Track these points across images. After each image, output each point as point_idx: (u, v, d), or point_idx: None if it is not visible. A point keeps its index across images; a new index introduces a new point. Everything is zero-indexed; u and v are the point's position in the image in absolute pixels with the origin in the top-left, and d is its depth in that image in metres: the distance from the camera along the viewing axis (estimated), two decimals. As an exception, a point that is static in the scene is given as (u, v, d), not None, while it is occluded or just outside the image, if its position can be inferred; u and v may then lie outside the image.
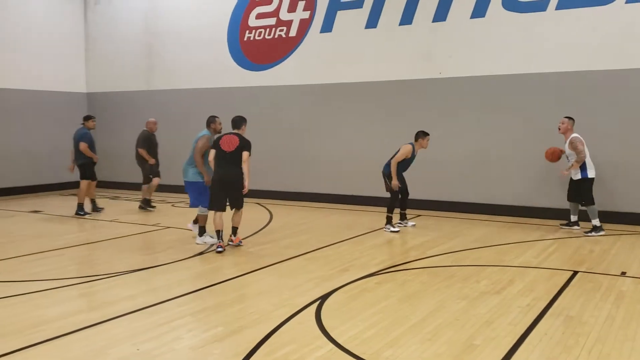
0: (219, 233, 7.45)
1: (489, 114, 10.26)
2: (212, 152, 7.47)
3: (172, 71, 13.55)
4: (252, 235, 8.55)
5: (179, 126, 13.20)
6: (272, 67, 12.26)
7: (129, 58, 14.14)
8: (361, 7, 11.25)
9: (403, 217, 9.26)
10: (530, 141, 9.85)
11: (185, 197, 12.45)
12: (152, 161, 10.91)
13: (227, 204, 7.59)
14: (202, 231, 8.02)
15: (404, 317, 4.91)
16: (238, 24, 12.58)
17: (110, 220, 9.88)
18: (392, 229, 8.77)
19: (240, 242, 7.77)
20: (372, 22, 11.15)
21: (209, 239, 7.93)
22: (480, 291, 5.66)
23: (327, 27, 11.61)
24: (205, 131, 8.07)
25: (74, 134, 10.62)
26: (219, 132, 8.05)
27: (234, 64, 12.67)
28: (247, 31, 12.49)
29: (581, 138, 8.49)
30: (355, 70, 11.35)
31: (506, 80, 10.06)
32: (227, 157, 7.31)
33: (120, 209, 11.25)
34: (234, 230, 7.69)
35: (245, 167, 7.31)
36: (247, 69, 12.54)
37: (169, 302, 5.34)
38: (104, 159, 14.60)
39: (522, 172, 10.02)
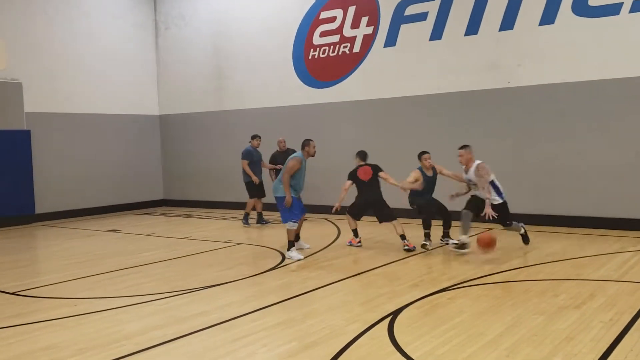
0: (355, 232, 8.85)
1: (561, 123, 9.91)
2: (348, 183, 8.82)
3: (241, 92, 13.90)
4: (320, 250, 8.58)
5: (245, 144, 13.46)
6: (336, 83, 12.37)
7: (199, 80, 14.63)
8: (425, 19, 11.19)
9: (445, 235, 8.76)
10: (607, 150, 9.44)
11: (253, 214, 12.72)
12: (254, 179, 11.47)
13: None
14: (290, 245, 8.13)
15: (479, 333, 4.77)
16: (303, 42, 12.80)
17: (184, 238, 10.18)
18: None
19: (413, 247, 8.34)
20: (436, 34, 11.07)
21: (294, 254, 8.01)
22: (559, 306, 5.43)
23: (390, 41, 11.61)
24: (299, 153, 8.39)
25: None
26: (312, 155, 8.49)
27: (300, 82, 12.88)
28: (312, 49, 12.67)
29: (486, 165, 7.90)
30: (420, 83, 11.27)
31: (579, 87, 9.70)
32: (366, 184, 8.69)
33: (191, 227, 11.58)
34: (403, 237, 8.37)
35: (390, 180, 8.53)
36: (312, 86, 12.71)
37: (243, 317, 5.42)
38: (176, 178, 15.16)
39: (599, 182, 9.60)
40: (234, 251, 9.00)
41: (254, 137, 11.55)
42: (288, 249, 8.13)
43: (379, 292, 6.14)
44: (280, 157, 11.76)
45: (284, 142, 11.81)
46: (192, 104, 14.84)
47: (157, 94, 15.52)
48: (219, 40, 14.24)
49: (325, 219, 11.73)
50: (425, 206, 8.55)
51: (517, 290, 6.06)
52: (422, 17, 11.23)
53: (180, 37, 14.95)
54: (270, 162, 11.73)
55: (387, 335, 4.80)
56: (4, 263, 8.54)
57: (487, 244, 7.51)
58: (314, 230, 10.61)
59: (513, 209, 10.26)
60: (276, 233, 10.72)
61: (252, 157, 11.35)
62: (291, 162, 8.10)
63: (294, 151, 12.54)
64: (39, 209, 12.68)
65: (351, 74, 12.15)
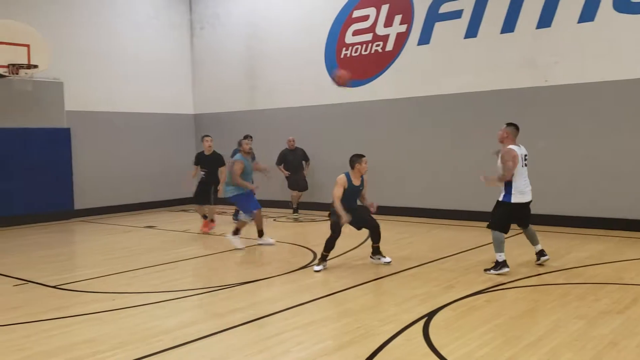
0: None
1: (600, 122, 9.69)
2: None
3: (273, 91, 13.97)
4: (353, 249, 8.56)
5: (281, 143, 13.55)
6: (368, 82, 12.32)
7: (232, 80, 14.74)
8: (460, 17, 11.06)
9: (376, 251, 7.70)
10: (648, 150, 9.18)
11: (287, 212, 12.78)
12: (285, 174, 12.57)
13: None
14: (236, 233, 8.91)
15: (518, 337, 4.70)
16: (335, 41, 12.79)
17: (218, 235, 10.27)
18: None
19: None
20: (471, 31, 10.93)
21: (237, 241, 8.81)
22: (600, 310, 5.31)
23: (424, 39, 11.51)
24: (238, 155, 9.08)
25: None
26: (248, 152, 9.00)
27: (332, 81, 12.82)
28: (344, 48, 12.65)
29: (516, 153, 6.86)
30: (455, 81, 11.15)
31: (620, 85, 9.46)
32: None
33: (225, 224, 11.67)
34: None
35: None
36: (344, 85, 12.66)
37: (277, 315, 5.45)
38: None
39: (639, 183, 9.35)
40: (266, 248, 9.05)
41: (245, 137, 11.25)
42: (233, 235, 8.88)
43: (413, 293, 6.10)
44: (289, 155, 12.71)
45: (294, 141, 12.66)
46: (226, 103, 14.97)
47: (191, 93, 15.70)
48: (252, 40, 14.33)
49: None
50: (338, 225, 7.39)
51: (555, 294, 5.94)
52: (457, 14, 11.10)
53: (214, 37, 15.09)
54: (279, 160, 12.67)
55: (422, 336, 4.76)
56: (44, 257, 8.76)
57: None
58: (345, 229, 10.56)
59: (547, 209, 10.12)
60: (309, 231, 10.76)
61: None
62: (236, 165, 8.75)
63: (302, 150, 12.90)
64: (78, 205, 12.97)
65: (384, 72, 12.09)
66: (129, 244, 9.85)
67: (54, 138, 12.57)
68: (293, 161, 12.68)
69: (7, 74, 10.80)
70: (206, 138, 10.78)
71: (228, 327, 5.10)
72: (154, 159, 14.60)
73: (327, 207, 12.60)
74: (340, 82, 8.38)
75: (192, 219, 12.19)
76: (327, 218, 7.69)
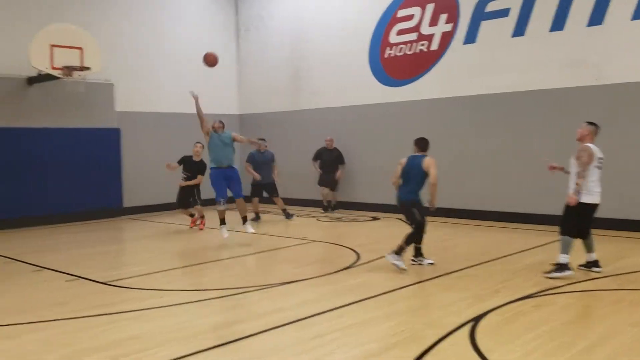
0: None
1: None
2: None
3: (317, 91, 13.99)
4: (397, 251, 8.46)
5: (323, 143, 13.58)
6: (413, 81, 12.20)
7: (277, 80, 14.84)
8: (507, 15, 10.82)
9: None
10: None
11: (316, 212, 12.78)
12: (318, 171, 13.09)
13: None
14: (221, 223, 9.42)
15: (569, 343, 4.55)
16: (379, 41, 12.71)
17: (261, 234, 10.35)
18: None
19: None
20: (519, 30, 10.68)
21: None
22: (657, 318, 5.09)
23: (470, 38, 11.31)
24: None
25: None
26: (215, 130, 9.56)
27: (375, 81, 12.80)
28: (388, 48, 12.56)
29: (593, 151, 6.60)
30: (502, 80, 10.92)
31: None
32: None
33: (267, 223, 11.77)
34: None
35: None
36: (387, 85, 12.61)
37: (320, 315, 5.43)
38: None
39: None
40: (309, 248, 9.06)
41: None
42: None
43: (459, 297, 5.98)
44: (325, 153, 13.12)
45: (332, 141, 13.08)
46: (270, 103, 15.08)
47: (237, 94, 15.88)
48: (296, 40, 14.39)
49: (399, 219, 11.56)
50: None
51: (608, 300, 5.74)
52: (504, 13, 10.87)
53: (259, 38, 15.23)
54: (315, 156, 13.14)
55: (468, 341, 4.66)
56: (94, 254, 9.00)
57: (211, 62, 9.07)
58: (388, 231, 10.52)
59: (601, 213, 9.76)
60: (352, 231, 10.72)
61: (253, 160, 12.15)
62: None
63: (339, 151, 13.18)
64: (127, 202, 13.30)
65: (428, 71, 11.94)
66: (175, 242, 10.01)
67: (105, 138, 12.92)
68: (328, 160, 13.01)
69: (61, 76, 11.15)
70: (197, 144, 11.11)
71: (270, 327, 5.10)
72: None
73: (368, 206, 12.75)
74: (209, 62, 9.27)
75: (235, 218, 12.30)
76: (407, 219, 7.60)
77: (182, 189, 11.05)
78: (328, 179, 13.06)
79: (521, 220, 10.47)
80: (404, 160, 7.51)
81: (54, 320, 5.45)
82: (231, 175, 9.39)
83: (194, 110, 15.00)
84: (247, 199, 10.73)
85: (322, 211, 13.07)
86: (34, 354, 4.58)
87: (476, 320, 5.18)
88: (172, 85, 14.29)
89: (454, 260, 7.80)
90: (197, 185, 11.04)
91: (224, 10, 15.51)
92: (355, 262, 7.76)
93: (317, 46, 13.92)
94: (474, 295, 6.04)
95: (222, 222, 9.42)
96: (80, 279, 7.16)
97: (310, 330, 5.02)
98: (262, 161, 12.15)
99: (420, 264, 7.47)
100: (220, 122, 9.68)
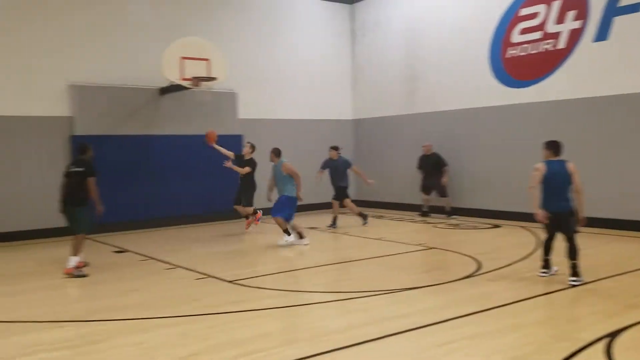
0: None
1: None
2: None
3: (433, 94, 13.82)
4: (521, 260, 8.16)
5: (439, 147, 13.39)
6: (537, 82, 11.68)
7: (392, 84, 14.84)
8: (643, 9, 10.06)
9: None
10: None
11: (448, 218, 12.58)
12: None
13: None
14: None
15: None
16: (500, 41, 12.31)
17: (377, 239, 10.40)
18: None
19: None
20: (658, 24, 9.89)
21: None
22: None
23: (602, 35, 10.63)
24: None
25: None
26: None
27: (496, 82, 12.40)
28: (510, 47, 12.13)
29: None
30: (637, 80, 10.15)
31: None
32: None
33: (383, 228, 11.80)
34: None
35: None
36: (509, 86, 12.16)
37: (442, 324, 5.38)
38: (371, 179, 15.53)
39: None
40: (427, 255, 8.98)
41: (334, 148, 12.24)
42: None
43: (590, 310, 5.67)
44: (424, 159, 13.23)
45: (429, 146, 13.12)
46: (385, 107, 15.11)
47: (351, 99, 16.09)
48: (411, 44, 14.30)
49: (522, 226, 11.14)
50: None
51: None
52: (639, 7, 10.11)
53: (374, 43, 15.31)
54: (419, 165, 13.30)
55: (605, 358, 4.41)
56: (219, 254, 9.55)
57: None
58: (511, 239, 10.15)
59: None
60: (471, 238, 10.46)
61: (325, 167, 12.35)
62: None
63: (436, 156, 13.00)
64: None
65: (554, 71, 11.36)
66: (294, 244, 10.32)
67: (229, 144, 13.58)
68: (427, 166, 13.18)
69: (190, 87, 11.93)
70: (247, 143, 11.82)
71: (393, 332, 5.13)
72: (316, 163, 15.13)
73: (487, 213, 12.35)
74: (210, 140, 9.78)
75: (350, 222, 12.47)
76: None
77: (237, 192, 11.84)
78: (429, 185, 13.14)
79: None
80: (541, 166, 6.91)
81: (189, 315, 5.85)
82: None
83: (310, 116, 15.46)
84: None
85: (420, 216, 13.27)
86: (170, 347, 4.94)
87: (612, 336, 4.88)
88: (289, 92, 14.80)
89: (585, 271, 7.34)
90: (246, 187, 11.58)
91: (339, 17, 15.78)
92: (476, 271, 7.57)
93: (434, 48, 13.74)
94: (606, 309, 5.69)
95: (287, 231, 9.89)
96: (209, 277, 7.61)
97: (434, 338, 5.00)
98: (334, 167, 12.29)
99: (551, 274, 7.09)
100: None
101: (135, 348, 4.92)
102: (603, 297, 6.18)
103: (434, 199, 13.25)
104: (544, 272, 7.12)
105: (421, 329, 5.21)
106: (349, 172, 12.28)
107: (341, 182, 12.20)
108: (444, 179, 12.93)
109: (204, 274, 7.75)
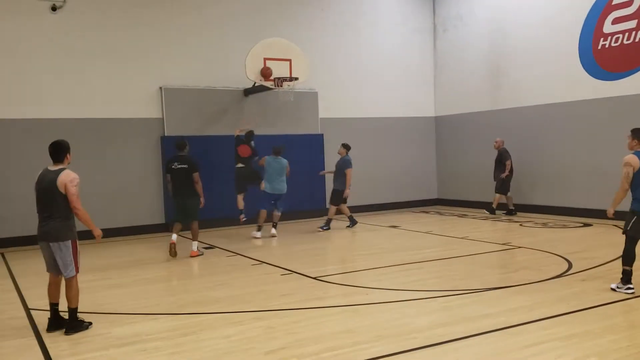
0: None
1: None
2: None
3: (518, 89, 13.40)
4: (611, 261, 7.75)
5: (525, 144, 12.97)
6: (632, 74, 11.05)
7: (475, 80, 14.52)
8: None
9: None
10: None
11: (534, 217, 12.18)
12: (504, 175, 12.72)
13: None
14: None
15: None
16: (591, 32, 11.74)
17: (461, 237, 10.23)
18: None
19: None
20: None
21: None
22: None
23: None
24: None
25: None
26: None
27: (586, 74, 11.85)
28: (602, 38, 11.54)
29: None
30: None
31: None
32: None
33: (467, 227, 11.58)
34: None
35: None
36: (601, 79, 11.58)
37: (531, 324, 5.24)
38: (450, 178, 15.31)
39: None
40: (513, 254, 8.74)
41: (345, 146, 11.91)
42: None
43: (695, 314, 5.33)
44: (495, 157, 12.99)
45: (501, 142, 12.83)
46: (467, 104, 14.80)
47: (433, 96, 15.88)
48: (495, 37, 13.92)
49: (615, 225, 10.58)
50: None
51: None
52: None
53: (457, 38, 15.03)
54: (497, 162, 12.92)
55: None
56: (304, 251, 9.72)
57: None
58: (602, 238, 9.69)
59: None
60: (560, 237, 10.07)
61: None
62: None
63: (506, 150, 12.61)
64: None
65: (651, 62, 10.73)
66: (375, 242, 10.36)
67: (310, 143, 13.82)
68: (496, 163, 13.00)
69: (273, 87, 12.22)
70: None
71: (479, 332, 5.06)
72: (396, 161, 15.10)
73: (579, 212, 11.82)
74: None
75: (433, 221, 12.34)
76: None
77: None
78: (496, 183, 12.97)
79: None
80: (633, 159, 6.10)
81: (277, 310, 6.01)
82: None
83: (391, 114, 15.39)
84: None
85: (506, 215, 12.89)
86: (258, 340, 5.10)
87: None
88: (370, 91, 14.81)
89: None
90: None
91: (420, 12, 15.60)
92: (567, 270, 7.30)
93: (518, 41, 13.31)
94: None
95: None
96: (294, 273, 7.78)
97: (522, 338, 4.88)
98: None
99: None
100: None
101: (226, 341, 5.12)
102: None
103: (511, 196, 12.90)
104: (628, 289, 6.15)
105: (508, 329, 5.10)
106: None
107: (336, 183, 11.71)
108: (503, 175, 12.67)
109: (289, 270, 7.93)
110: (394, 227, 11.94)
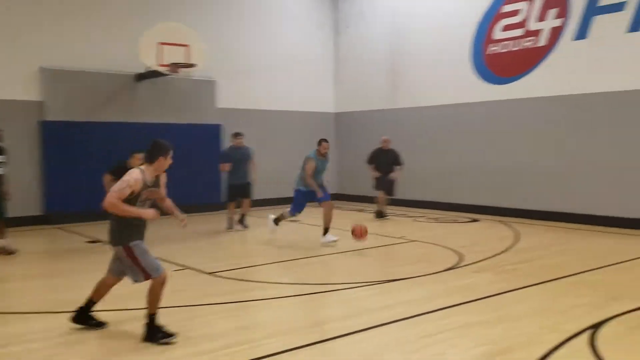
0: None
1: None
2: None
3: (415, 89, 13.77)
4: (499, 254, 8.17)
5: (421, 143, 13.39)
6: (517, 79, 11.74)
7: (375, 78, 14.75)
8: (622, 9, 10.16)
9: None
10: None
11: (426, 212, 12.57)
12: (375, 175, 12.05)
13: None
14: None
15: None
16: (483, 38, 12.33)
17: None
18: None
19: None
20: (636, 25, 10.00)
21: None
22: None
23: (582, 33, 10.72)
24: (312, 153, 9.15)
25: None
26: (323, 155, 9.12)
27: (477, 78, 12.43)
28: (492, 44, 12.16)
29: None
30: (616, 78, 10.26)
31: None
32: None
33: (365, 222, 11.67)
34: None
35: None
36: (491, 82, 12.20)
37: (429, 314, 5.32)
38: (349, 174, 15.49)
39: None
40: (409, 247, 8.95)
41: (235, 135, 10.92)
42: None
43: (575, 302, 5.68)
44: (381, 155, 12.10)
45: (387, 141, 12.16)
46: (367, 101, 15.02)
47: (333, 92, 15.97)
48: (395, 37, 14.22)
49: (500, 221, 11.22)
50: None
51: None
52: (619, 7, 10.21)
53: (358, 36, 15.19)
54: (371, 159, 12.16)
55: (589, 349, 4.41)
56: (195, 246, 9.35)
57: (361, 234, 8.36)
58: (490, 232, 10.20)
59: None
60: (449, 232, 10.47)
61: (229, 159, 10.80)
62: (307, 164, 9.04)
63: (395, 152, 12.18)
64: (225, 197, 13.63)
65: (535, 69, 11.43)
66: (274, 237, 10.15)
67: (207, 133, 13.38)
68: (383, 162, 12.03)
69: (168, 73, 11.64)
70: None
71: (379, 323, 5.06)
72: (294, 156, 14.96)
73: (467, 208, 12.37)
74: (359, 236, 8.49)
75: (333, 215, 12.32)
76: None
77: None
78: (384, 183, 12.02)
79: (631, 226, 9.83)
80: None
81: (169, 307, 5.65)
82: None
83: (291, 108, 15.11)
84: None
85: (375, 217, 11.96)
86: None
87: (596, 327, 4.90)
88: (270, 83, 14.61)
89: (567, 264, 7.43)
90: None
91: (323, 7, 15.59)
92: (458, 263, 7.56)
93: (417, 42, 13.67)
94: (590, 301, 5.72)
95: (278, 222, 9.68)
96: (188, 269, 7.42)
97: (420, 329, 4.94)
98: (238, 159, 10.95)
99: None
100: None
101: (114, 341, 4.74)
102: (587, 289, 6.22)
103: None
104: None
105: (407, 320, 5.15)
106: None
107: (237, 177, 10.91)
108: (394, 176, 11.99)
109: (182, 266, 7.57)
110: (294, 221, 11.82)
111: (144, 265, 4.75)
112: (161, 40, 11.52)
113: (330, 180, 15.67)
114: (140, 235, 4.88)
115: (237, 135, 11.05)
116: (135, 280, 4.82)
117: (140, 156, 8.18)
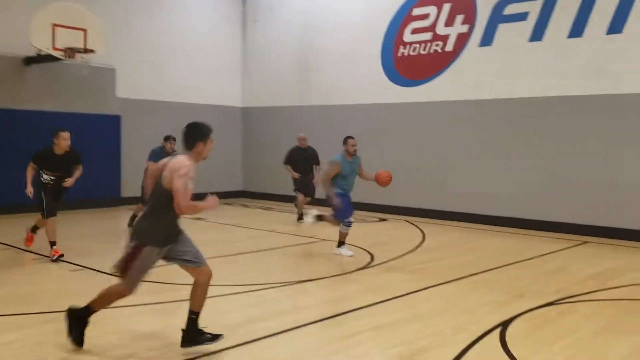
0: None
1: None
2: None
3: (326, 87, 13.74)
4: (408, 253, 8.32)
5: (331, 141, 13.38)
6: (426, 82, 12.04)
7: (284, 74, 14.57)
8: (525, 19, 10.71)
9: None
10: None
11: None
12: (294, 175, 11.15)
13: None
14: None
15: (602, 354, 4.48)
16: (393, 39, 12.53)
17: (269, 230, 10.14)
18: None
19: None
20: (537, 34, 10.58)
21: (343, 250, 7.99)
22: (691, 331, 4.99)
23: (487, 40, 11.19)
24: (339, 155, 8.13)
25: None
26: (352, 154, 8.14)
27: (387, 80, 12.61)
28: (402, 46, 12.39)
29: None
30: (517, 85, 10.80)
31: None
32: None
33: (276, 220, 11.56)
34: None
35: None
36: (400, 84, 12.42)
37: (345, 315, 5.28)
38: (256, 171, 15.23)
39: None
40: (321, 247, 8.89)
41: (167, 138, 10.03)
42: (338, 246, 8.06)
43: (481, 301, 5.86)
44: (299, 154, 11.33)
45: (305, 139, 11.42)
46: (276, 97, 14.82)
47: (240, 86, 15.62)
48: (306, 33, 14.12)
49: (407, 220, 11.48)
50: None
51: (632, 310, 5.65)
52: (522, 17, 10.75)
53: (267, 30, 14.95)
54: (288, 159, 11.30)
55: (500, 347, 4.54)
56: (94, 244, 8.75)
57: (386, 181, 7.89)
58: (396, 232, 10.40)
59: (617, 222, 9.66)
60: (364, 231, 10.51)
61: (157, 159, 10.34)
62: (330, 167, 7.90)
63: (314, 151, 11.56)
64: (125, 192, 12.97)
65: (442, 73, 11.79)
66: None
67: (105, 124, 12.61)
68: (302, 162, 11.22)
69: (63, 58, 10.82)
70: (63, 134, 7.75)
71: (297, 325, 4.94)
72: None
73: (377, 207, 12.53)
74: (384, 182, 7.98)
75: (239, 213, 12.11)
76: None
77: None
78: (305, 184, 11.21)
79: (534, 227, 10.38)
80: None
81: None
82: None
83: (196, 100, 14.48)
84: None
85: (297, 220, 11.08)
86: (51, 345, 4.38)
87: (504, 325, 5.06)
88: (175, 74, 14.03)
89: (472, 263, 7.67)
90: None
91: (231, 1, 15.23)
92: (370, 262, 7.59)
93: (328, 40, 13.64)
94: (496, 300, 5.92)
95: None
96: (86, 269, 6.91)
97: (340, 330, 4.89)
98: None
99: None
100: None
101: (5, 348, 4.28)
102: (492, 288, 6.44)
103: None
104: None
105: (326, 321, 5.07)
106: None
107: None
108: (316, 178, 11.02)
109: (80, 266, 7.04)
110: (199, 219, 11.41)
111: (132, 272, 4.36)
112: (55, 21, 10.68)
113: (236, 176, 15.43)
114: (163, 242, 4.54)
115: (167, 138, 10.00)
116: (115, 268, 4.45)
117: (66, 135, 7.56)
